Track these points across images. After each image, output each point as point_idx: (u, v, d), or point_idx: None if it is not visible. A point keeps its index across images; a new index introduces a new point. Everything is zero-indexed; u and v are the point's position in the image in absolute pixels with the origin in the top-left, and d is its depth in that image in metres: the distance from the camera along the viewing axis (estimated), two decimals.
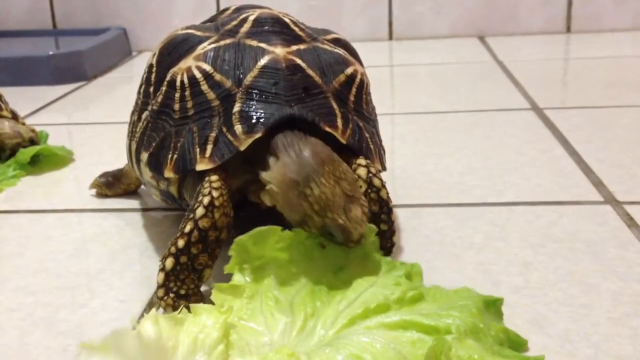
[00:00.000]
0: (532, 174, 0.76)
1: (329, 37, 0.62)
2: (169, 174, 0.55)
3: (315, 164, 0.49)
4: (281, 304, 0.46)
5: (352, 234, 0.48)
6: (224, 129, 0.54)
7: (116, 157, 0.85)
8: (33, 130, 0.92)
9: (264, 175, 0.51)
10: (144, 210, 0.72)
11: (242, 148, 0.53)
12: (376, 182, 0.55)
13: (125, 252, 0.63)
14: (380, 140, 0.62)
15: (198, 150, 0.54)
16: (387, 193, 0.55)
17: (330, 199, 0.48)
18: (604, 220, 0.64)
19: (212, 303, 0.47)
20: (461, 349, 0.41)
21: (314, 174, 0.49)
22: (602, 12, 1.56)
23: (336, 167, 0.50)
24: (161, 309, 0.51)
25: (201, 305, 0.45)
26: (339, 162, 0.51)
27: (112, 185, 0.75)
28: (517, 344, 0.46)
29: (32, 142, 0.87)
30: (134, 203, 0.74)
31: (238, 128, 0.53)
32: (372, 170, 0.55)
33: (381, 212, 0.55)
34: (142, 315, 0.52)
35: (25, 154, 0.85)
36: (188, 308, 0.45)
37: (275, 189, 0.51)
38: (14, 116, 0.90)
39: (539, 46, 1.48)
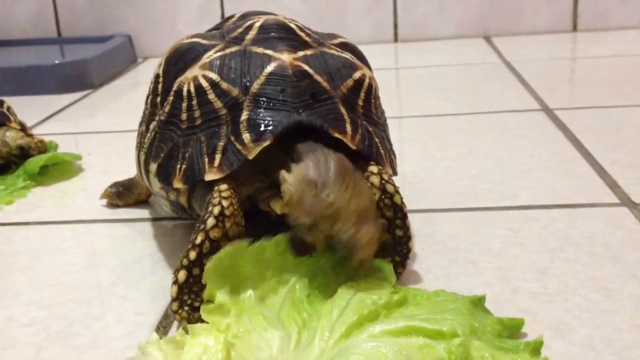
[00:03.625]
0: (545, 177, 0.76)
1: (336, 41, 0.61)
2: (177, 184, 0.55)
3: (338, 172, 0.49)
4: (269, 320, 0.46)
5: (357, 253, 0.48)
6: (232, 138, 0.53)
7: (125, 166, 0.85)
8: (41, 141, 0.91)
9: (284, 174, 0.51)
10: (155, 220, 0.72)
11: (251, 157, 0.52)
12: (389, 188, 0.54)
13: (139, 263, 0.62)
14: (391, 145, 0.62)
15: (206, 160, 0.54)
16: (401, 198, 0.55)
17: (343, 208, 0.48)
18: (621, 223, 0.63)
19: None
20: (472, 350, 0.42)
21: (333, 180, 0.48)
22: (608, 10, 1.55)
23: (357, 182, 0.49)
24: (176, 322, 0.50)
25: (198, 325, 0.45)
26: (361, 179, 0.50)
27: (122, 195, 0.75)
28: (514, 327, 0.47)
29: (22, 149, 0.86)
30: (144, 213, 0.73)
31: (246, 136, 0.53)
32: (385, 177, 0.55)
33: (396, 217, 0.55)
34: (159, 328, 0.52)
35: (34, 163, 0.84)
36: (190, 321, 0.45)
37: (292, 188, 0.50)
38: (23, 127, 0.90)
39: (545, 45, 1.47)
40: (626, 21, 1.55)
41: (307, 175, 0.49)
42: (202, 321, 0.47)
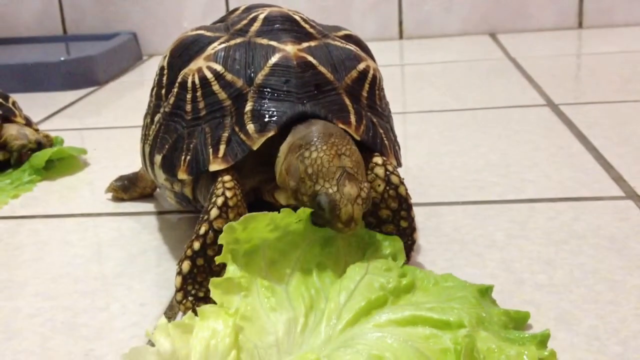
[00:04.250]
0: (551, 171, 0.76)
1: (340, 33, 0.61)
2: (182, 175, 0.55)
3: (322, 133, 0.50)
4: (278, 295, 0.45)
5: (341, 210, 0.47)
6: (237, 129, 0.53)
7: (130, 161, 0.85)
8: (47, 136, 0.92)
9: (279, 153, 0.52)
10: (160, 213, 0.72)
11: (255, 147, 0.52)
12: (394, 179, 0.54)
13: (143, 255, 0.63)
14: (395, 136, 0.62)
15: (211, 150, 0.54)
16: (406, 190, 0.55)
17: (325, 166, 0.48)
18: (626, 216, 0.63)
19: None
20: (478, 341, 0.42)
21: (317, 140, 0.49)
22: (613, 6, 1.55)
23: (344, 144, 0.50)
24: (180, 313, 0.51)
25: (207, 307, 0.44)
26: (348, 142, 0.50)
27: (128, 188, 0.75)
28: (520, 319, 0.47)
29: (40, 144, 0.86)
30: (149, 206, 0.74)
31: (250, 127, 0.53)
32: (390, 168, 0.55)
33: (401, 208, 0.55)
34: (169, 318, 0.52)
35: (40, 158, 0.85)
36: (195, 312, 0.44)
37: (281, 159, 0.51)
38: (28, 122, 0.90)
39: (551, 42, 1.47)
40: (631, 18, 1.55)
41: (292, 141, 0.50)
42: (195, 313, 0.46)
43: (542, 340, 0.44)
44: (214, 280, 0.45)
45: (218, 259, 0.47)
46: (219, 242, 0.47)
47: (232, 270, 0.46)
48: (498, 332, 0.45)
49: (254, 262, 0.47)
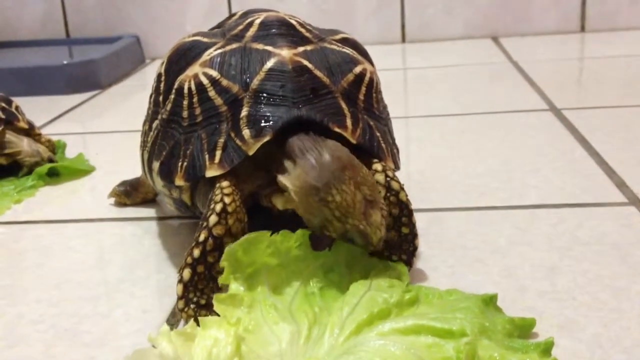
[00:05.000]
0: (553, 176, 0.75)
1: (337, 37, 0.61)
2: (179, 181, 0.55)
3: (336, 169, 0.49)
4: (281, 312, 0.46)
5: (372, 238, 0.48)
6: (233, 134, 0.53)
7: (133, 166, 0.85)
8: (49, 141, 0.92)
9: (282, 179, 0.51)
10: (162, 218, 0.72)
11: (251, 152, 0.52)
12: (394, 185, 0.54)
13: (146, 261, 0.63)
14: (393, 139, 0.62)
15: (207, 156, 0.54)
16: (406, 195, 0.55)
17: (351, 206, 0.48)
18: (629, 222, 0.63)
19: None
20: (480, 349, 0.42)
21: (335, 180, 0.48)
22: (616, 10, 1.55)
23: (357, 172, 0.49)
24: (183, 320, 0.51)
25: (210, 317, 0.44)
26: (359, 166, 0.50)
27: (130, 194, 0.75)
28: (526, 327, 0.47)
29: (51, 161, 0.87)
30: (152, 211, 0.74)
31: (246, 132, 0.53)
32: (390, 174, 0.55)
33: (402, 214, 0.55)
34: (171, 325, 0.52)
35: (44, 167, 0.85)
36: (197, 320, 0.45)
37: (295, 196, 0.50)
38: (31, 126, 0.90)
39: (553, 46, 1.47)
40: (635, 21, 1.55)
41: (307, 180, 0.49)
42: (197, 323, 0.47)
43: (546, 348, 0.44)
44: (217, 296, 0.46)
45: (221, 280, 0.48)
46: (221, 264, 0.48)
47: (234, 287, 0.47)
48: (502, 341, 0.44)
49: (257, 284, 0.48)
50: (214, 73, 0.55)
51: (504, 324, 0.46)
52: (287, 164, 0.51)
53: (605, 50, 1.40)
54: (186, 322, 0.50)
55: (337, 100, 0.55)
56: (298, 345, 0.43)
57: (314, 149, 0.50)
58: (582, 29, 1.57)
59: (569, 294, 0.52)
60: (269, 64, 0.55)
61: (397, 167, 0.59)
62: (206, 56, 0.57)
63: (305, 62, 0.55)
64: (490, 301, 0.48)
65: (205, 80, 0.55)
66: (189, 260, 0.50)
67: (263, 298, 0.47)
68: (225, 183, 0.52)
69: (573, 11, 1.56)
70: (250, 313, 0.45)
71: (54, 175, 0.86)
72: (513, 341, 0.45)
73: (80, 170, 0.87)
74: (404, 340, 0.43)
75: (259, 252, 0.48)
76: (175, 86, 0.58)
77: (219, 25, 0.65)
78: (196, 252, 0.50)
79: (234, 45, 0.57)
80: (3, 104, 0.88)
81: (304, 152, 0.50)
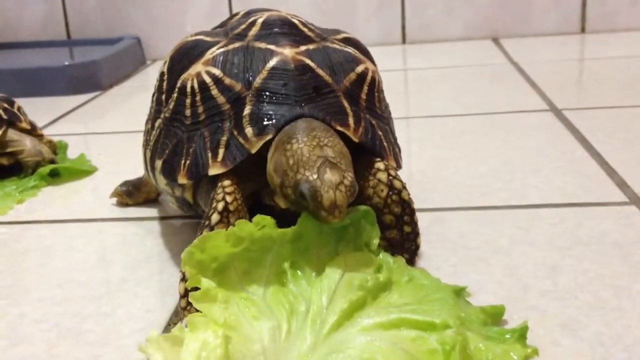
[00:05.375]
0: (554, 176, 0.76)
1: (339, 36, 0.61)
2: (182, 180, 0.55)
3: (305, 127, 0.50)
4: (258, 305, 0.45)
5: (323, 196, 0.46)
6: (235, 132, 0.54)
7: (135, 166, 0.85)
8: (51, 142, 0.92)
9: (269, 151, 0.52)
10: (164, 218, 0.72)
11: (254, 150, 0.53)
12: (397, 184, 0.55)
13: (148, 260, 0.63)
14: (395, 138, 0.62)
15: (210, 154, 0.54)
16: (409, 194, 0.55)
17: (305, 155, 0.48)
18: (630, 221, 0.63)
19: None
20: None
21: (299, 134, 0.50)
22: (616, 11, 1.55)
23: (326, 136, 0.50)
24: (185, 319, 0.51)
25: (197, 318, 0.43)
26: (332, 134, 0.51)
27: (132, 194, 0.75)
28: (497, 314, 0.48)
29: (52, 162, 0.87)
30: (153, 211, 0.74)
31: (249, 131, 0.53)
32: (392, 172, 0.55)
33: (404, 213, 0.55)
34: (169, 324, 0.52)
35: (46, 167, 0.85)
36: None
37: (269, 156, 0.51)
38: (33, 127, 0.90)
39: (553, 47, 1.47)
40: (635, 22, 1.55)
41: (277, 139, 0.51)
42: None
43: (522, 333, 0.45)
44: (193, 294, 0.44)
45: (189, 284, 0.45)
46: (182, 269, 0.46)
47: (206, 283, 0.45)
48: (479, 330, 0.45)
49: (227, 277, 0.46)
50: (217, 72, 0.56)
51: (477, 313, 0.47)
52: None
53: (606, 51, 1.40)
54: None
55: (339, 99, 0.55)
56: (280, 341, 0.43)
57: (293, 123, 0.52)
58: (583, 30, 1.58)
59: (571, 293, 0.52)
60: (272, 62, 0.55)
61: (399, 166, 0.59)
62: (209, 55, 0.57)
63: (308, 61, 0.55)
64: (460, 293, 0.49)
65: (208, 79, 0.56)
66: None
67: (237, 290, 0.45)
68: (227, 182, 0.52)
69: (573, 12, 1.56)
70: (228, 308, 0.44)
71: (55, 176, 0.86)
72: (489, 330, 0.46)
73: (82, 170, 0.88)
74: (388, 334, 0.43)
75: (219, 247, 0.46)
76: (178, 85, 0.58)
77: (221, 25, 0.65)
78: None
79: (237, 44, 0.57)
80: (5, 105, 0.89)
81: (286, 127, 0.52)
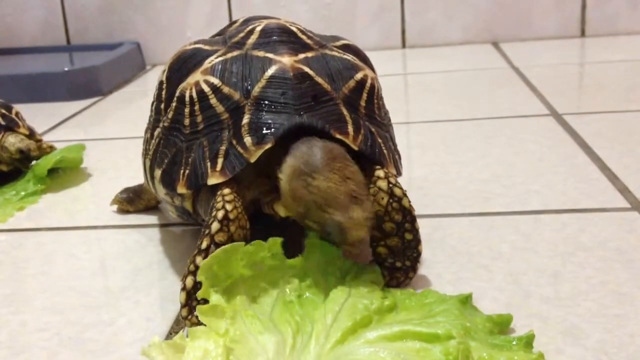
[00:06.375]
0: (556, 182, 0.75)
1: (338, 43, 0.61)
2: (181, 189, 0.55)
3: (325, 157, 0.50)
4: (264, 322, 0.46)
5: (351, 235, 0.48)
6: (234, 142, 0.54)
7: (135, 172, 0.85)
8: (51, 147, 0.92)
9: (278, 172, 0.51)
10: (165, 225, 0.72)
11: (253, 160, 0.53)
12: (397, 191, 0.54)
13: (149, 268, 0.63)
14: (395, 145, 0.62)
15: (209, 164, 0.54)
16: (409, 202, 0.55)
17: (334, 195, 0.48)
18: (632, 227, 0.63)
19: None
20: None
21: (321, 166, 0.49)
22: (616, 15, 1.55)
23: (346, 166, 0.50)
24: (186, 328, 0.50)
25: (197, 328, 0.44)
26: (350, 163, 0.51)
27: (133, 201, 0.75)
28: (504, 323, 0.48)
29: (22, 152, 0.84)
30: (154, 219, 0.74)
31: (248, 140, 0.53)
32: (392, 180, 0.55)
33: (405, 221, 0.55)
34: (171, 333, 0.52)
35: (42, 166, 0.85)
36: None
37: (284, 184, 0.51)
38: (31, 133, 0.90)
39: (553, 51, 1.47)
40: (635, 26, 1.55)
41: (296, 166, 0.50)
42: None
43: (528, 341, 0.45)
44: (200, 307, 0.45)
45: (200, 294, 0.47)
46: (198, 279, 0.47)
47: (215, 299, 0.46)
48: (484, 339, 0.45)
49: (235, 296, 0.47)
50: (216, 81, 0.56)
51: (484, 322, 0.47)
52: (284, 159, 0.51)
53: (606, 54, 1.40)
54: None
55: (338, 106, 0.55)
56: (284, 354, 0.43)
57: (308, 144, 0.51)
58: (583, 33, 1.58)
59: (573, 300, 0.52)
60: (270, 71, 0.55)
61: (399, 173, 0.59)
62: (207, 64, 0.57)
63: (307, 69, 0.55)
64: (466, 301, 0.49)
65: (206, 88, 0.55)
66: (192, 268, 0.50)
67: (244, 309, 0.47)
68: (226, 190, 0.52)
69: (573, 16, 1.56)
70: (234, 324, 0.44)
71: (55, 176, 0.85)
72: (495, 338, 0.46)
73: (76, 159, 0.87)
74: (392, 346, 0.43)
75: (234, 265, 0.48)
76: (177, 94, 0.58)
77: (220, 33, 0.65)
78: (199, 260, 0.50)
79: (235, 53, 0.57)
80: (3, 111, 0.88)
81: (298, 145, 0.51)
